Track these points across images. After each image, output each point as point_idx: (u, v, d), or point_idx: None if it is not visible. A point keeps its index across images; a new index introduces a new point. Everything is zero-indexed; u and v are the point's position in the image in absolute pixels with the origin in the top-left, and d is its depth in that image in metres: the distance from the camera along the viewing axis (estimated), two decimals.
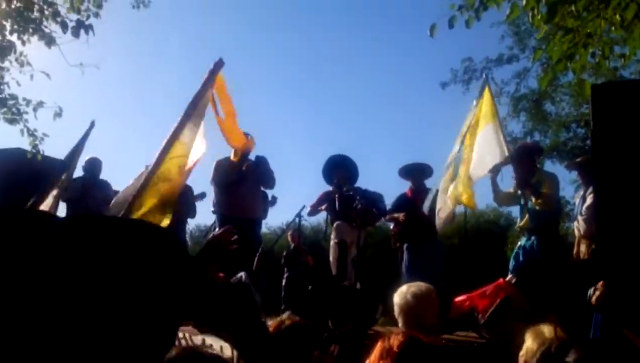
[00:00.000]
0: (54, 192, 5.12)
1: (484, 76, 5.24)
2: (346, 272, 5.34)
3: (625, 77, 10.41)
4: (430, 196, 4.99)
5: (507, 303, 3.66)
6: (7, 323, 0.76)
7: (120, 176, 20.58)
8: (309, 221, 8.02)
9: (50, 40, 5.48)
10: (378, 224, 7.54)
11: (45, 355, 0.76)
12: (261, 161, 5.60)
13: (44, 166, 5.28)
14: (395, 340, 2.34)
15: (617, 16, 3.33)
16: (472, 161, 4.85)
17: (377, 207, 5.58)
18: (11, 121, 5.73)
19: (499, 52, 13.73)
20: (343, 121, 37.41)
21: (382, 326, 4.11)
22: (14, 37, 5.41)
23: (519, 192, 4.71)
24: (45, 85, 5.87)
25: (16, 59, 5.59)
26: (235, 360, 1.95)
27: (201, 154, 3.60)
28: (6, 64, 5.60)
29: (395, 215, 5.58)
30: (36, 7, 5.38)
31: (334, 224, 5.61)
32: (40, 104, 5.73)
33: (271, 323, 2.56)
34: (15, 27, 5.34)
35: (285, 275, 7.25)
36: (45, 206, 4.87)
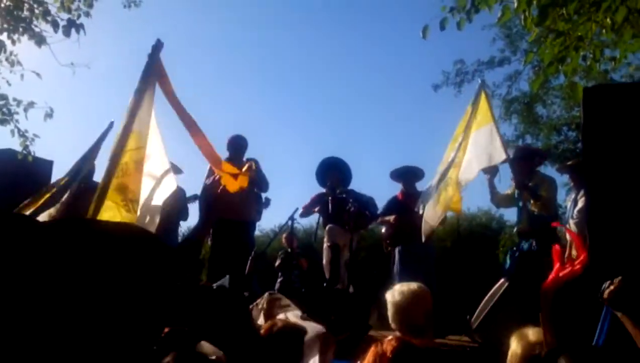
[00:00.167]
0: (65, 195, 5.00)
1: (479, 81, 5.21)
2: (339, 275, 5.32)
3: (615, 80, 10.51)
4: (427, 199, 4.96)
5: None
6: None
7: None
8: (302, 224, 7.99)
9: (40, 40, 5.44)
10: (370, 227, 7.54)
11: (28, 353, 0.75)
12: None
13: (35, 168, 5.22)
14: (388, 346, 2.33)
15: (608, 19, 3.35)
16: (462, 165, 4.84)
17: (368, 210, 5.57)
18: (1, 122, 5.66)
19: (491, 54, 13.87)
20: (334, 122, 37.51)
21: (375, 330, 4.09)
22: (3, 37, 5.37)
23: (517, 194, 4.71)
24: (36, 85, 5.82)
25: (6, 59, 5.53)
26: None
27: (172, 191, 3.48)
28: None
29: (387, 218, 5.58)
30: (26, 6, 5.33)
31: (327, 228, 5.59)
32: (31, 104, 5.65)
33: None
34: (5, 26, 5.29)
35: (279, 280, 7.20)
36: (53, 211, 4.75)
